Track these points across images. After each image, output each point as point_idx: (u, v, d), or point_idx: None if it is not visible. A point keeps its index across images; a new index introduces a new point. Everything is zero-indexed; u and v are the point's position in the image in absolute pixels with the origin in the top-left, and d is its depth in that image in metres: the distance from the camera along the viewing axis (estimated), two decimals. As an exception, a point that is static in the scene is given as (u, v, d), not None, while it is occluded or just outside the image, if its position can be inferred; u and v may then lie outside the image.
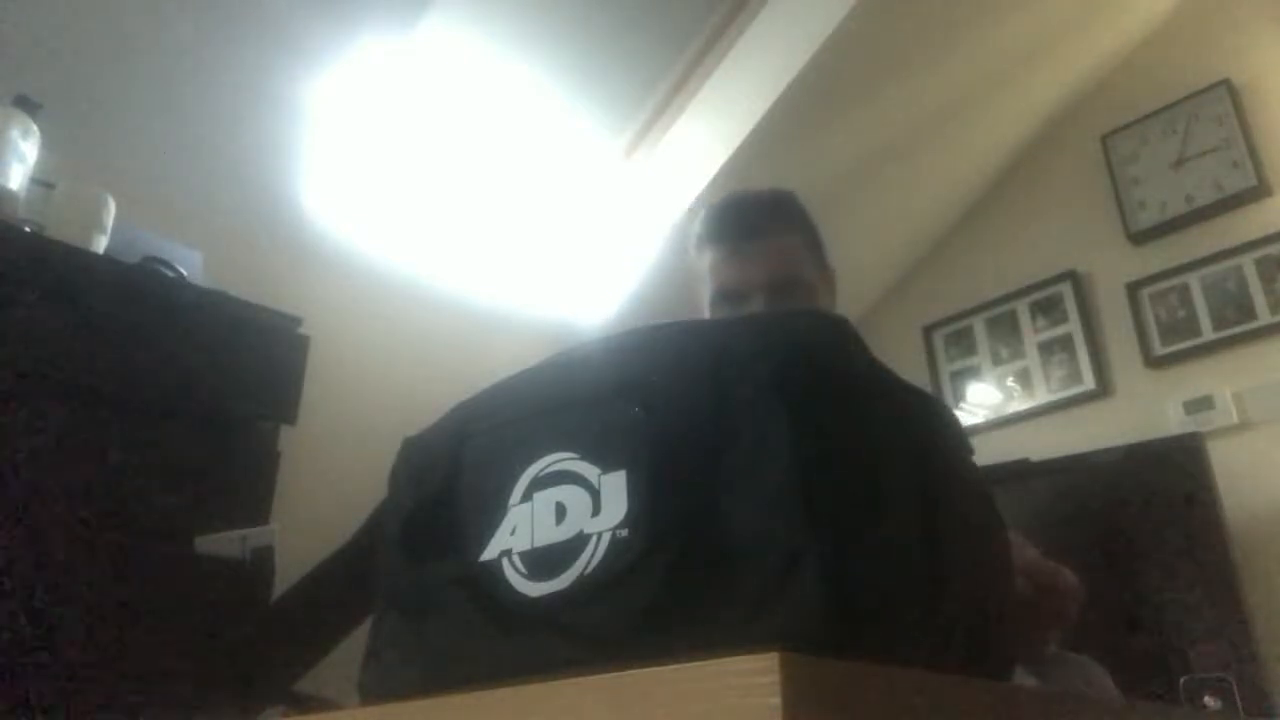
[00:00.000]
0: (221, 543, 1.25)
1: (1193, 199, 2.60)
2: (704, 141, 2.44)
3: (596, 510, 0.46)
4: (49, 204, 1.42)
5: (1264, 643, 2.00)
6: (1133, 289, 2.65)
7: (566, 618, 0.45)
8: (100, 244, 1.43)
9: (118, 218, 1.47)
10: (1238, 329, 2.43)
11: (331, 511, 1.26)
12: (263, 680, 1.18)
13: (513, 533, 0.49)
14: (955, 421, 0.57)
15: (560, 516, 0.47)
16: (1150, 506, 2.10)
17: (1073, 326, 2.76)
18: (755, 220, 1.22)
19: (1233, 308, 2.45)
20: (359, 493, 0.99)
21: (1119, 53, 2.85)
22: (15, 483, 1.15)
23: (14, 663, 1.06)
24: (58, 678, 1.09)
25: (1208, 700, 1.61)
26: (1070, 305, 2.78)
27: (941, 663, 0.45)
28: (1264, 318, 2.39)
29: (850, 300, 1.34)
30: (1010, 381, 2.86)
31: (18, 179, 1.39)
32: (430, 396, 0.71)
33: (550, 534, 0.47)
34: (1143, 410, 2.53)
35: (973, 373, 2.96)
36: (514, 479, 0.50)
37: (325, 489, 1.69)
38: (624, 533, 0.45)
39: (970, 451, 0.58)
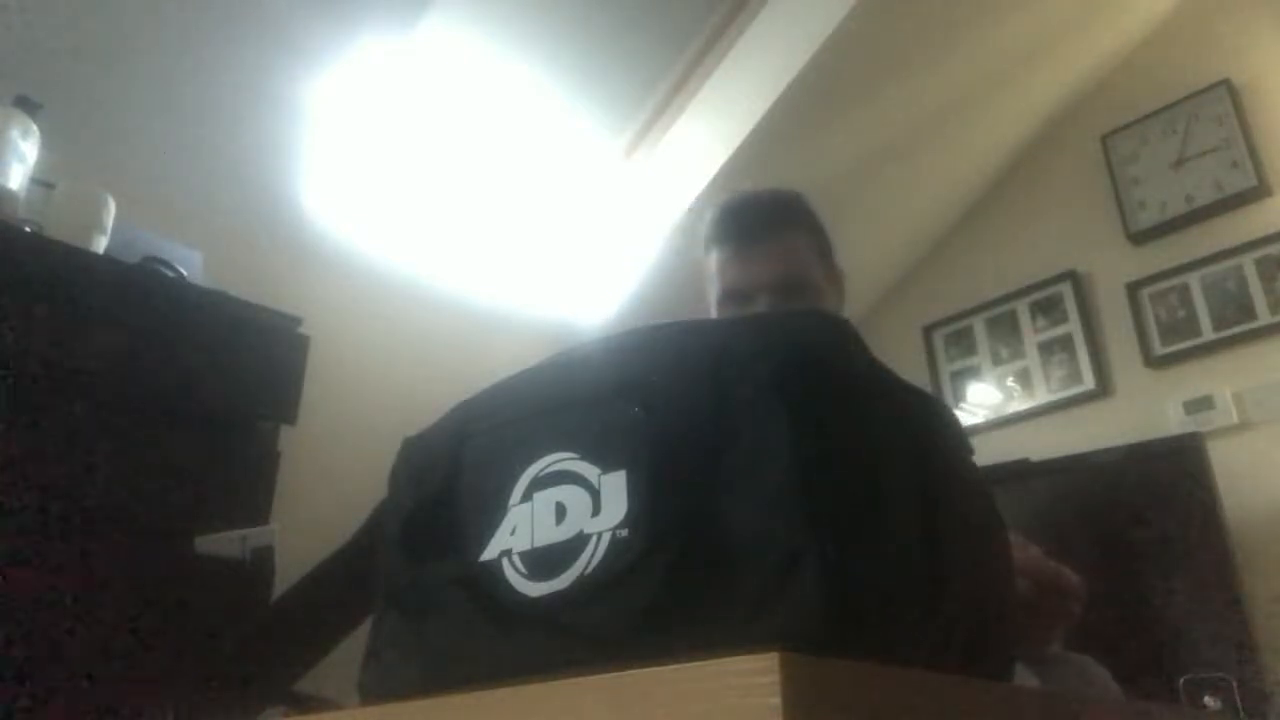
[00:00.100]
0: (221, 543, 1.25)
1: (1193, 199, 2.60)
2: (704, 141, 2.44)
3: (596, 510, 0.46)
4: (49, 204, 1.42)
5: (1264, 643, 2.00)
6: (1133, 289, 2.65)
7: (566, 618, 0.45)
8: (100, 244, 1.43)
9: (118, 218, 1.47)
10: (1238, 329, 2.43)
11: (331, 511, 1.26)
12: (263, 680, 1.18)
13: (513, 533, 0.49)
14: (955, 421, 0.57)
15: (560, 516, 0.47)
16: (1150, 506, 2.10)
17: (1073, 326, 2.76)
18: (762, 220, 1.22)
19: (1233, 308, 2.45)
20: (359, 493, 0.99)
21: (1119, 53, 2.85)
22: (15, 483, 1.15)
23: (14, 662, 1.06)
24: (58, 678, 1.09)
25: (1208, 700, 1.61)
26: (1070, 305, 2.78)
27: (942, 663, 0.45)
28: (1264, 318, 2.39)
29: (850, 300, 1.34)
30: (1010, 381, 2.86)
31: (18, 179, 1.39)
32: (430, 396, 0.71)
33: (550, 534, 0.47)
34: (1143, 410, 2.53)
35: (973, 373, 2.96)
36: (514, 479, 0.50)
37: (325, 489, 1.69)
38: (624, 533, 0.45)
39: (970, 451, 0.58)
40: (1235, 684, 1.62)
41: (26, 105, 1.42)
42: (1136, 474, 2.16)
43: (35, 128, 1.43)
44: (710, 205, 1.29)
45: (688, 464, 0.45)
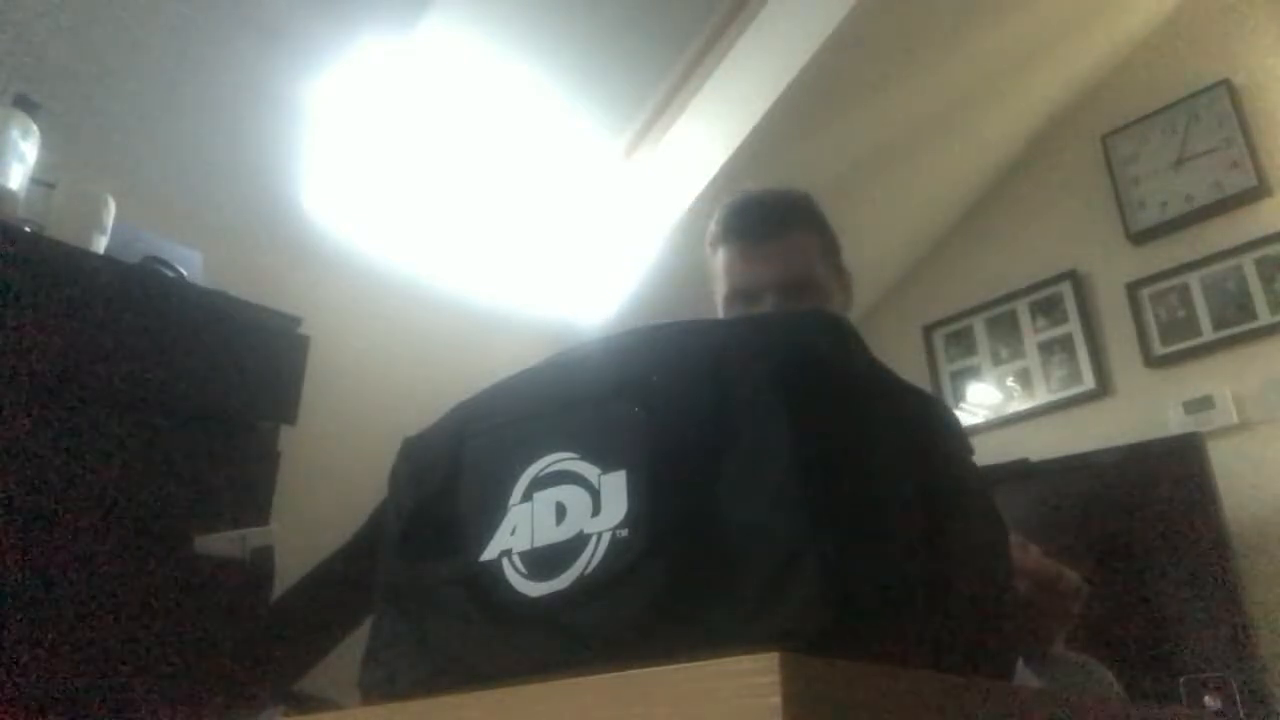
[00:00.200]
0: (221, 543, 1.25)
1: (1193, 199, 2.60)
2: (704, 141, 2.44)
3: (596, 510, 0.46)
4: (49, 204, 1.42)
5: (1264, 643, 2.00)
6: (1133, 289, 2.65)
7: (566, 618, 0.45)
8: (100, 244, 1.43)
9: (118, 218, 1.47)
10: (1238, 329, 2.43)
11: (331, 511, 1.26)
12: (263, 680, 1.18)
13: (513, 533, 0.49)
14: (955, 421, 0.57)
15: (560, 516, 0.47)
16: (1150, 506, 2.10)
17: (1073, 326, 2.76)
18: (769, 220, 1.22)
19: (1233, 308, 2.45)
20: (359, 493, 0.99)
21: (1119, 53, 2.85)
22: (14, 483, 1.15)
23: (14, 662, 1.06)
24: (58, 678, 1.09)
25: (1208, 700, 1.62)
26: (1070, 305, 2.78)
27: (941, 663, 0.45)
28: (1264, 318, 2.39)
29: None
30: (1010, 381, 2.86)
31: (18, 179, 1.39)
32: (430, 396, 0.71)
33: (550, 534, 0.47)
34: (1143, 410, 2.53)
35: (973, 373, 2.96)
36: (514, 479, 0.50)
37: (325, 489, 1.69)
38: (624, 533, 0.45)
39: (970, 451, 0.58)
40: (1235, 684, 1.62)
41: (26, 105, 1.42)
42: (1136, 474, 2.16)
43: (35, 128, 1.43)
44: (718, 203, 1.29)
45: (688, 464, 0.45)
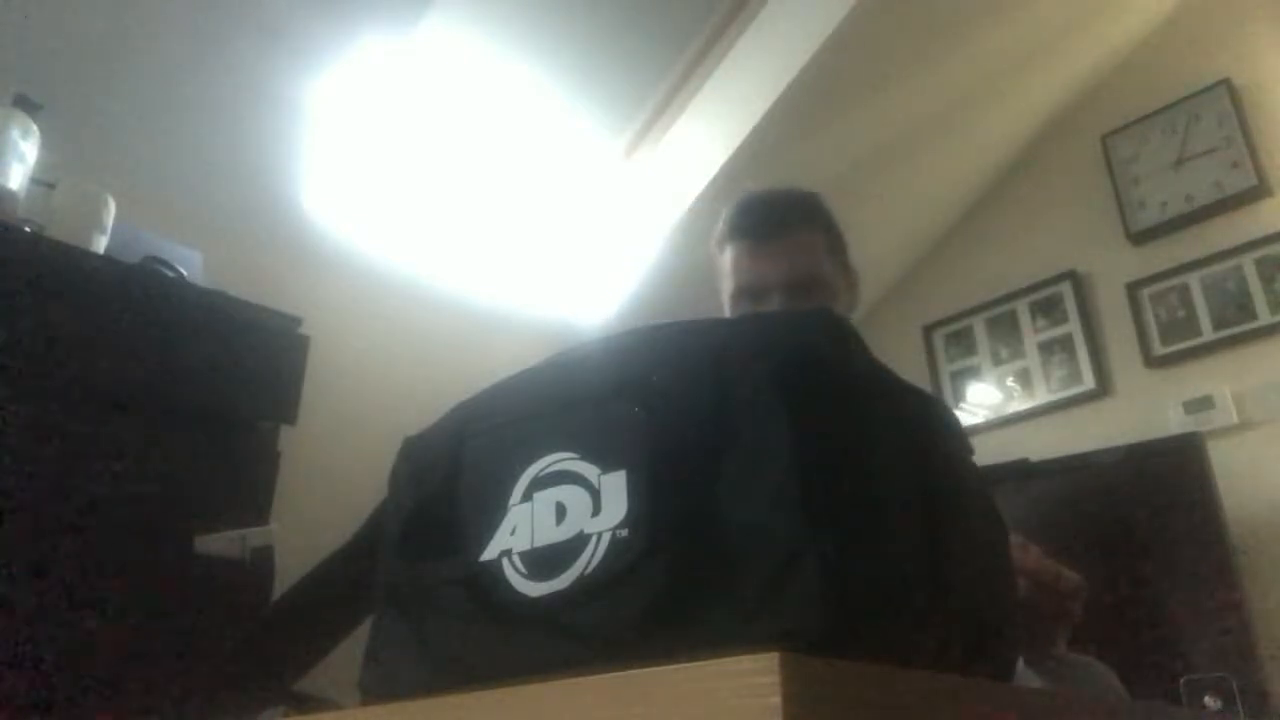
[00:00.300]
0: (221, 543, 1.25)
1: (1193, 199, 2.60)
2: (704, 141, 2.44)
3: (597, 510, 0.46)
4: (49, 204, 1.42)
5: (1264, 643, 2.00)
6: (1133, 289, 2.65)
7: (566, 618, 0.45)
8: (100, 244, 1.43)
9: (118, 218, 1.47)
10: (1238, 329, 2.43)
11: (331, 511, 1.26)
12: (263, 680, 1.18)
13: (513, 533, 0.49)
14: (955, 421, 0.57)
15: (560, 516, 0.47)
16: (1150, 506, 2.10)
17: (1073, 326, 2.76)
18: (777, 218, 1.22)
19: (1233, 308, 2.45)
20: (359, 493, 0.99)
21: (1119, 53, 2.85)
22: (15, 483, 1.15)
23: (15, 662, 1.06)
24: (58, 678, 1.09)
25: (1208, 700, 1.61)
26: (1070, 305, 2.78)
27: (942, 663, 0.45)
28: (1264, 318, 2.39)
29: (853, 300, 1.35)
30: (1010, 381, 2.86)
31: (18, 179, 1.39)
32: (430, 396, 0.71)
33: (550, 534, 0.47)
34: (1143, 410, 2.53)
35: (973, 373, 2.96)
36: (514, 479, 0.50)
37: (325, 489, 1.69)
38: (624, 533, 0.45)
39: (970, 451, 0.57)
40: (1235, 684, 1.62)
41: (26, 105, 1.42)
42: (1136, 474, 2.16)
43: (35, 128, 1.43)
44: (723, 203, 1.29)
45: (688, 464, 0.45)
